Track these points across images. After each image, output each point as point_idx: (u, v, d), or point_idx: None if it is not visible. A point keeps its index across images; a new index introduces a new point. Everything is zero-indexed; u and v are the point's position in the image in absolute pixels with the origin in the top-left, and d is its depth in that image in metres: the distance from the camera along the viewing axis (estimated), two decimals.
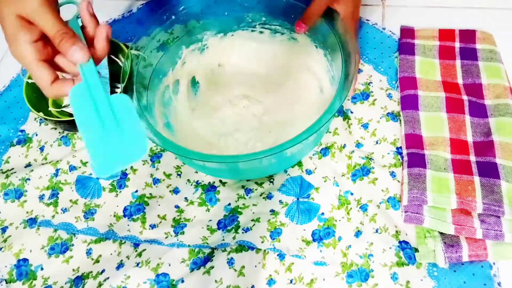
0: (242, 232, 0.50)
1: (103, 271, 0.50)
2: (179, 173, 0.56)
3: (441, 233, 0.48)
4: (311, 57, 0.57)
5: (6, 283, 0.51)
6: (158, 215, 0.54)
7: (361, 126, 0.57)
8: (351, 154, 0.55)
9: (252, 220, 0.51)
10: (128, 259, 0.51)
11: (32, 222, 0.55)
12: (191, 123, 0.58)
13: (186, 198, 0.54)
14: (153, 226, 0.53)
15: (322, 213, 0.51)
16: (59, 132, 0.62)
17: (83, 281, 0.50)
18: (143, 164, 0.57)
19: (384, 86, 0.60)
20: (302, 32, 0.52)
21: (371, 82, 0.60)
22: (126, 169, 0.57)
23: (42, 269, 0.52)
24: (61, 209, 0.55)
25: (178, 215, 0.53)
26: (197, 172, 0.56)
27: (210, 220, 0.52)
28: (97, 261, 0.52)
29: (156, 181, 0.56)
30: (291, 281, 0.47)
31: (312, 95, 0.58)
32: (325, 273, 0.47)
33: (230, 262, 0.48)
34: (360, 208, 0.51)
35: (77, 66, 0.38)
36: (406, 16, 0.67)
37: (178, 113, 0.58)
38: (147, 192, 0.56)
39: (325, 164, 0.54)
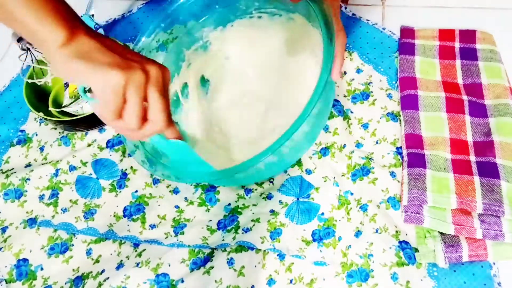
0: (242, 233, 0.50)
1: (103, 271, 0.50)
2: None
3: (441, 233, 0.48)
4: (310, 38, 0.56)
5: (6, 283, 0.51)
6: (158, 215, 0.54)
7: (361, 126, 0.57)
8: (351, 154, 0.55)
9: (252, 221, 0.51)
10: (128, 259, 0.51)
11: (32, 222, 0.55)
12: (198, 126, 0.58)
13: (186, 198, 0.54)
14: (153, 226, 0.53)
15: (322, 213, 0.51)
16: (59, 132, 0.62)
17: (83, 281, 0.50)
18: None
19: (384, 86, 0.60)
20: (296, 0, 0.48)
21: (371, 82, 0.60)
22: (126, 169, 0.57)
23: (42, 269, 0.52)
24: (61, 209, 0.55)
25: (178, 215, 0.53)
26: None
27: (210, 220, 0.52)
28: (97, 261, 0.52)
29: (156, 181, 0.56)
30: (291, 281, 0.47)
31: (313, 77, 0.57)
32: (325, 273, 0.47)
33: (230, 262, 0.48)
34: (360, 208, 0.51)
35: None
36: (406, 16, 0.67)
37: (189, 118, 0.58)
38: (147, 192, 0.55)
39: (325, 164, 0.54)
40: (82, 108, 0.59)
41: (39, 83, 0.61)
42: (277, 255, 0.49)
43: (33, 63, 0.62)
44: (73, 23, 0.35)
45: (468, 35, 0.63)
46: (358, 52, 0.64)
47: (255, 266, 0.48)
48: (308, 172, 0.54)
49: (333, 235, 0.49)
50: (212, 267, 0.48)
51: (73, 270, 0.51)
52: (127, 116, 0.36)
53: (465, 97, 0.57)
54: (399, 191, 0.52)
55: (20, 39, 0.71)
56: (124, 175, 0.57)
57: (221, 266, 0.48)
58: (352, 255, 0.48)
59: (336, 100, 0.58)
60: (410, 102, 0.57)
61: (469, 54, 0.61)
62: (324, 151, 0.55)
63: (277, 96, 0.59)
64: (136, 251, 0.51)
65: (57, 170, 0.58)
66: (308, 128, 0.49)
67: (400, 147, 0.55)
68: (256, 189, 0.54)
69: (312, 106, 0.41)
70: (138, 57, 0.37)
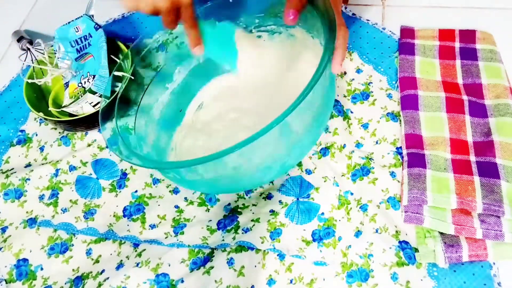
0: (242, 233, 0.50)
1: (103, 271, 0.50)
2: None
3: (441, 233, 0.48)
4: (310, 51, 0.56)
5: (6, 283, 0.51)
6: (158, 215, 0.54)
7: (361, 126, 0.57)
8: (351, 154, 0.55)
9: (252, 221, 0.51)
10: (128, 259, 0.51)
11: (32, 222, 0.55)
12: (184, 141, 0.57)
13: (185, 198, 0.54)
14: (153, 226, 0.53)
15: (322, 213, 0.51)
16: (59, 132, 0.62)
17: (83, 281, 0.50)
18: None
19: (384, 86, 0.60)
20: (293, 22, 0.47)
21: (371, 82, 0.60)
22: (126, 169, 0.57)
23: (42, 269, 0.52)
24: (61, 209, 0.55)
25: (177, 215, 0.53)
26: None
27: (210, 220, 0.52)
28: (97, 261, 0.52)
29: (155, 181, 0.56)
30: (291, 281, 0.47)
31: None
32: (325, 273, 0.47)
33: (230, 262, 0.48)
34: (360, 208, 0.51)
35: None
36: (406, 16, 0.67)
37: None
38: (146, 192, 0.56)
39: (325, 164, 0.54)
40: (82, 108, 0.59)
41: (39, 83, 0.61)
42: (277, 255, 0.49)
43: (33, 63, 0.62)
44: None
45: (468, 35, 0.63)
46: (358, 52, 0.64)
47: (255, 266, 0.48)
48: (308, 172, 0.54)
49: (333, 235, 0.49)
50: (212, 267, 0.48)
51: (73, 270, 0.51)
52: None
53: (465, 97, 0.57)
54: (399, 191, 0.52)
55: (20, 39, 0.71)
56: (124, 175, 0.57)
57: (221, 266, 0.48)
58: (352, 255, 0.48)
59: (336, 100, 0.58)
60: (410, 102, 0.57)
61: (469, 54, 0.61)
62: (324, 151, 0.55)
63: (270, 110, 0.58)
64: (136, 251, 0.51)
65: (57, 170, 0.58)
66: (309, 126, 0.48)
67: (400, 147, 0.55)
68: (255, 189, 0.54)
69: (308, 91, 0.39)
70: None
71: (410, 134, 0.54)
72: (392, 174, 0.53)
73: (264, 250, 0.49)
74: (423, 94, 0.57)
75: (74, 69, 0.63)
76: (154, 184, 0.56)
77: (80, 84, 0.61)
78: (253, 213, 0.52)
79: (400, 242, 0.48)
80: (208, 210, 0.53)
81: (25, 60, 0.62)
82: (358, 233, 0.49)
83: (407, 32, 0.64)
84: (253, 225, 0.50)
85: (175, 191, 0.55)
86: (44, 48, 0.63)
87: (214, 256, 0.49)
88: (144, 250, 0.51)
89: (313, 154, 0.55)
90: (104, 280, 0.49)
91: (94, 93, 0.59)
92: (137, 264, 0.49)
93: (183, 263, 0.49)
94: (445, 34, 0.63)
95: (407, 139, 0.54)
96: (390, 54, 0.63)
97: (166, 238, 0.52)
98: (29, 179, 0.57)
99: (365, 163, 0.54)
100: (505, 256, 0.46)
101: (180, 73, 0.58)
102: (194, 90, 0.60)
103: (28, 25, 0.78)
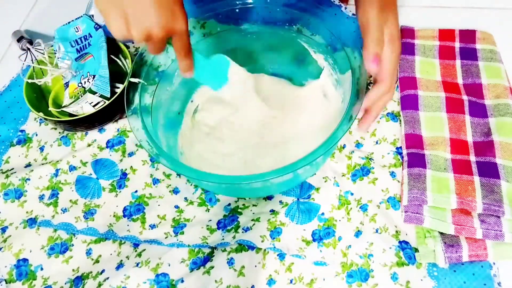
0: (242, 232, 0.50)
1: (103, 271, 0.50)
2: (179, 174, 0.56)
3: (441, 233, 0.48)
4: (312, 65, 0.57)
5: (6, 283, 0.51)
6: (158, 215, 0.54)
7: None
8: (351, 154, 0.55)
9: (252, 220, 0.51)
10: (128, 259, 0.51)
11: (32, 222, 0.55)
12: (193, 146, 0.57)
13: (185, 198, 0.54)
14: (152, 226, 0.53)
15: (322, 213, 0.51)
16: (59, 132, 0.62)
17: (83, 281, 0.50)
18: (143, 164, 0.57)
19: None
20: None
21: (371, 82, 0.60)
22: (126, 169, 0.57)
23: (42, 269, 0.52)
24: (61, 209, 0.55)
25: (177, 215, 0.53)
26: None
27: (210, 220, 0.52)
28: (97, 261, 0.52)
29: (155, 181, 0.56)
30: (291, 281, 0.47)
31: (315, 101, 0.57)
32: (325, 273, 0.47)
33: (230, 262, 0.48)
34: (360, 208, 0.51)
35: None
36: (406, 16, 0.67)
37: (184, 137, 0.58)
38: (146, 192, 0.55)
39: (325, 164, 0.54)
40: (82, 108, 0.59)
41: (39, 83, 0.61)
42: (277, 255, 0.49)
43: (33, 63, 0.62)
44: None
45: (468, 35, 0.63)
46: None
47: (255, 266, 0.48)
48: None
49: (333, 235, 0.49)
50: (212, 267, 0.48)
51: (73, 270, 0.51)
52: None
53: (465, 97, 0.57)
54: (399, 191, 0.52)
55: (20, 39, 0.71)
56: (124, 175, 0.57)
57: (221, 266, 0.48)
58: (352, 255, 0.48)
59: None
60: (410, 102, 0.57)
61: (469, 54, 0.61)
62: None
63: (266, 119, 0.58)
64: (136, 251, 0.51)
65: (57, 170, 0.58)
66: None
67: (400, 147, 0.55)
68: None
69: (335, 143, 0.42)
70: None
71: (410, 134, 0.54)
72: (392, 174, 0.53)
73: (265, 250, 0.49)
74: (423, 94, 0.57)
75: (74, 69, 0.63)
76: (154, 184, 0.56)
77: (80, 84, 0.61)
78: (253, 213, 0.52)
79: (400, 242, 0.48)
80: (208, 210, 0.53)
81: (25, 60, 0.62)
82: (358, 233, 0.49)
83: (407, 32, 0.64)
84: (253, 224, 0.50)
85: (175, 191, 0.55)
86: (44, 48, 0.63)
87: (214, 256, 0.49)
88: (144, 250, 0.51)
89: None
90: (104, 280, 0.49)
91: (94, 93, 0.59)
92: (137, 264, 0.49)
93: (183, 263, 0.49)
94: (445, 34, 0.63)
95: (407, 139, 0.54)
96: None
97: (166, 238, 0.52)
98: (29, 179, 0.57)
99: (365, 163, 0.54)
100: (505, 256, 0.46)
101: (178, 76, 0.58)
102: (189, 93, 0.61)
103: (28, 25, 0.78)
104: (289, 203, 0.52)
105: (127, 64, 0.62)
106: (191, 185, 0.55)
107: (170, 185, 0.56)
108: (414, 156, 0.52)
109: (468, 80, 0.59)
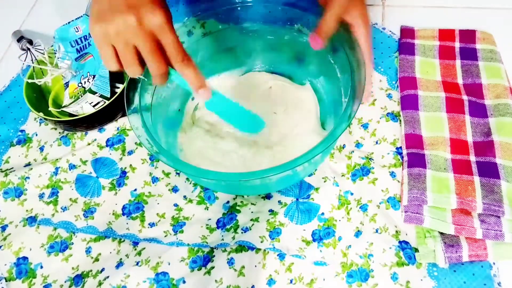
0: (241, 232, 0.50)
1: (102, 269, 0.50)
2: (178, 171, 0.56)
3: (441, 233, 0.48)
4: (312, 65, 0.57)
5: (6, 281, 0.51)
6: (157, 214, 0.54)
7: (361, 126, 0.57)
8: (351, 154, 0.55)
9: (251, 220, 0.51)
10: (128, 258, 0.51)
11: (32, 220, 0.55)
12: (193, 143, 0.57)
13: (185, 197, 0.54)
14: (152, 225, 0.53)
15: (322, 213, 0.51)
16: (59, 132, 0.62)
17: (82, 279, 0.50)
18: (142, 163, 0.57)
19: (384, 86, 0.60)
20: (318, 48, 0.47)
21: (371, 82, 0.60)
22: (125, 168, 0.57)
23: (41, 267, 0.52)
24: (61, 208, 0.55)
25: (177, 214, 0.53)
26: None
27: (209, 219, 0.52)
28: (97, 259, 0.51)
29: (155, 179, 0.56)
30: (291, 281, 0.47)
31: (315, 100, 0.58)
32: (325, 273, 0.47)
33: (230, 262, 0.48)
34: (360, 208, 0.51)
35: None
36: (406, 16, 0.67)
37: (186, 134, 0.58)
38: (146, 190, 0.55)
39: (325, 164, 0.54)
40: (82, 108, 0.59)
41: (39, 83, 0.61)
42: (277, 255, 0.49)
43: (33, 63, 0.62)
44: None
45: (468, 35, 0.63)
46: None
47: (255, 266, 0.48)
48: (309, 174, 0.54)
49: (333, 235, 0.49)
50: (213, 267, 0.48)
51: (73, 268, 0.51)
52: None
53: (465, 97, 0.57)
54: (399, 191, 0.52)
55: (20, 39, 0.71)
56: (124, 173, 0.57)
57: (221, 266, 0.48)
58: (352, 255, 0.48)
59: None
60: (410, 102, 0.57)
61: (469, 54, 0.61)
62: None
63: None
64: (135, 249, 0.51)
65: (56, 169, 0.58)
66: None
67: (400, 147, 0.55)
68: None
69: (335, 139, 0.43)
70: None
71: (410, 134, 0.54)
72: (392, 174, 0.53)
73: (264, 250, 0.49)
74: (423, 94, 0.57)
75: (74, 69, 0.63)
76: (153, 183, 0.56)
77: (80, 84, 0.61)
78: (252, 212, 0.52)
79: (400, 242, 0.48)
80: (207, 208, 0.53)
81: (25, 60, 0.62)
82: (358, 233, 0.49)
83: (407, 32, 0.64)
84: (252, 224, 0.50)
85: (174, 189, 0.55)
86: (44, 48, 0.63)
87: (214, 256, 0.49)
88: (144, 248, 0.51)
89: None
90: (104, 279, 0.49)
91: (94, 93, 0.59)
92: (137, 263, 0.49)
93: (183, 261, 0.49)
94: (445, 34, 0.63)
95: (407, 139, 0.54)
96: (390, 54, 0.63)
97: (165, 236, 0.52)
98: (28, 178, 0.57)
99: (365, 163, 0.54)
100: (505, 256, 0.46)
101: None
102: (189, 90, 0.60)
103: (28, 25, 0.78)
104: (288, 203, 0.52)
105: None
106: (190, 183, 0.55)
107: (169, 183, 0.56)
108: (414, 156, 0.52)
109: (468, 80, 0.59)
